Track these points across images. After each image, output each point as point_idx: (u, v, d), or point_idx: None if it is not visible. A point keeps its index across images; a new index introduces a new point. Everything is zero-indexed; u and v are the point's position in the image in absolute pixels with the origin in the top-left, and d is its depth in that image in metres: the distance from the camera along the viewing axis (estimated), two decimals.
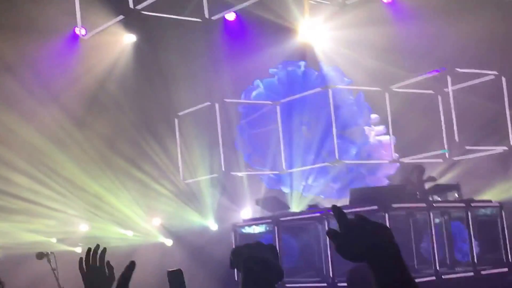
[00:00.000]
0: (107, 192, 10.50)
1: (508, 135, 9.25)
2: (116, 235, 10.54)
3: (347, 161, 9.44)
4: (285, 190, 9.94)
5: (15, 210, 10.48)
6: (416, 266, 8.71)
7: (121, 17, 9.84)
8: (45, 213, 10.53)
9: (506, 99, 8.90)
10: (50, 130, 10.06)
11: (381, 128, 9.84)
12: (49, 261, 6.29)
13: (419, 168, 9.50)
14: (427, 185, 9.25)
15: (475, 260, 8.78)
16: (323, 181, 9.50)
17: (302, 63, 9.85)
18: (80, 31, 10.21)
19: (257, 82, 9.96)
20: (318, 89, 9.46)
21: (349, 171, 9.49)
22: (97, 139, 10.22)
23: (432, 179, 9.33)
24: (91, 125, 10.27)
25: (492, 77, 9.15)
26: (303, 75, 9.60)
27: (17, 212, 10.53)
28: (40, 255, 6.38)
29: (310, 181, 9.65)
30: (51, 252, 6.39)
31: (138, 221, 10.55)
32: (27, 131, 9.91)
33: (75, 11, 9.73)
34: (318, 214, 8.89)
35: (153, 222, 10.74)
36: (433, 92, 9.72)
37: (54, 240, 10.91)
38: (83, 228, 11.00)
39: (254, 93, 9.97)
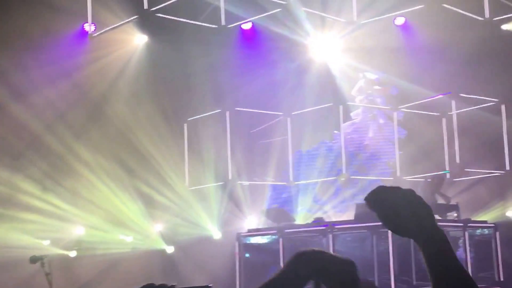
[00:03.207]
0: (108, 196, 10.97)
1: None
2: (115, 240, 11.04)
3: (353, 176, 10.52)
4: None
5: (4, 213, 10.61)
6: (414, 282, 9.70)
7: (134, 17, 10.42)
8: (39, 215, 10.72)
9: (504, 126, 10.20)
10: (54, 131, 10.59)
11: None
12: (43, 265, 6.45)
13: (439, 178, 10.45)
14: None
15: None
16: (329, 195, 10.55)
17: None
18: (90, 27, 10.72)
19: None
20: (329, 104, 10.50)
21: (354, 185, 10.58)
22: (103, 140, 10.86)
23: (445, 196, 10.38)
24: (98, 125, 10.90)
25: (492, 103, 10.44)
26: None
27: (8, 214, 10.67)
28: (34, 259, 6.53)
29: (316, 194, 10.68)
30: (45, 256, 6.61)
31: (139, 227, 11.20)
32: (30, 130, 10.39)
33: (87, 7, 10.26)
34: (322, 228, 9.83)
35: (155, 228, 11.41)
36: (438, 114, 10.91)
37: (47, 242, 11.17)
38: (79, 231, 11.34)
39: None
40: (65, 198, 10.87)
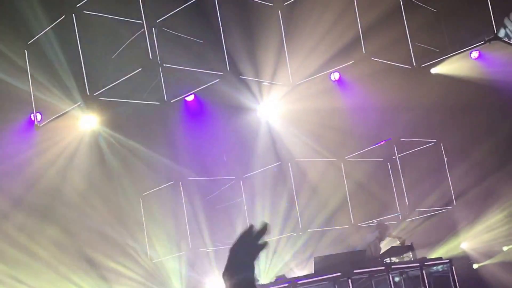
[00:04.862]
0: (72, 281, 11.18)
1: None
2: None
3: (310, 229, 11.14)
4: None
5: None
6: None
7: (78, 104, 10.95)
8: None
9: (445, 163, 11.02)
10: (7, 228, 10.79)
11: None
12: None
13: (382, 226, 11.20)
14: (389, 245, 11.01)
15: None
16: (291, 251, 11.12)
17: None
18: (35, 117, 11.18)
19: None
20: (278, 163, 11.18)
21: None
22: (62, 228, 11.15)
23: (399, 238, 11.04)
24: (53, 214, 11.21)
25: (432, 144, 11.28)
26: None
27: None
28: None
29: (278, 252, 11.24)
30: None
31: None
32: None
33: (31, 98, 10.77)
34: (285, 285, 10.31)
35: None
36: (382, 160, 11.69)
37: None
38: None
39: None
40: None
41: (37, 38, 10.63)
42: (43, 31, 10.50)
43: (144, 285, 11.65)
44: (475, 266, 12.27)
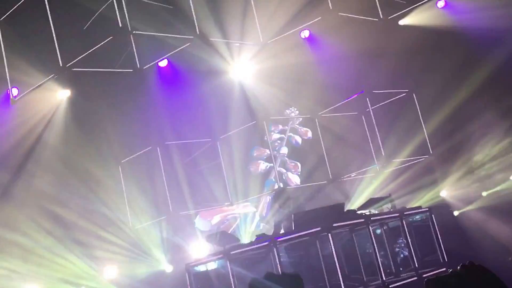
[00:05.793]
0: (52, 250, 11.36)
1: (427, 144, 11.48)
2: None
3: (290, 186, 11.29)
4: None
5: None
6: (365, 279, 10.32)
7: (52, 75, 11.07)
8: None
9: (419, 112, 11.14)
10: None
11: None
12: None
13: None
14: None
15: (416, 264, 10.57)
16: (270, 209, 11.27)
17: None
18: (11, 92, 11.32)
19: None
20: (253, 122, 11.30)
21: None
22: (40, 197, 11.30)
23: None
24: (32, 183, 11.33)
25: (404, 94, 11.40)
26: None
27: None
28: None
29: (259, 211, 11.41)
30: None
31: (89, 275, 11.61)
32: None
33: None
34: (266, 243, 10.39)
35: (105, 273, 11.87)
36: (356, 113, 11.81)
37: None
38: None
39: None
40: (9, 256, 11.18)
41: (9, 13, 10.70)
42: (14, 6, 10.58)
43: (127, 250, 11.81)
44: (455, 213, 12.44)
